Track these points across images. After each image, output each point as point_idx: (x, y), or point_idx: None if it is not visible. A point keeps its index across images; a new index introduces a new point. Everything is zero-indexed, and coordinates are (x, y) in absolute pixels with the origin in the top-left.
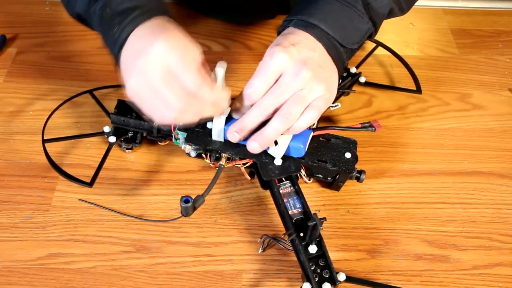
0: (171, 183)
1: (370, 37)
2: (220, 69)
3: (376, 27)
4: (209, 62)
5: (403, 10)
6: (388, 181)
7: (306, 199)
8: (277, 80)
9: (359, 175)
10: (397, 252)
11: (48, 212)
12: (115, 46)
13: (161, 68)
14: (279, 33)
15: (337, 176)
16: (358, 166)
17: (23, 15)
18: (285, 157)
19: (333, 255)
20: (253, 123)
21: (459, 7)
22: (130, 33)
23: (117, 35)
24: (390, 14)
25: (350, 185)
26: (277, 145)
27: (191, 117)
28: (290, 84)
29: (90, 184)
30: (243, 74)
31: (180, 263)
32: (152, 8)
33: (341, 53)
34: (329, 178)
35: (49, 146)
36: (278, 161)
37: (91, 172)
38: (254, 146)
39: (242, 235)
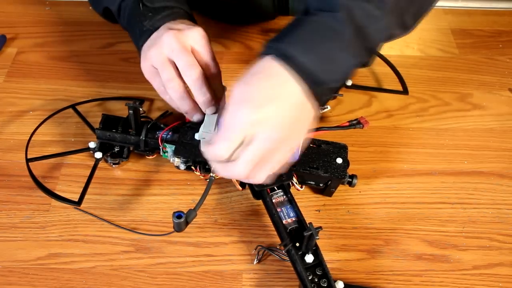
0: (171, 183)
1: (365, 65)
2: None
3: (370, 55)
4: None
5: (407, 28)
6: (388, 181)
7: (307, 199)
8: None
9: (351, 180)
10: (397, 252)
11: (48, 212)
12: (142, 36)
13: (166, 57)
14: (260, 55)
15: (329, 182)
16: (358, 166)
17: (23, 15)
18: None
19: (333, 255)
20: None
21: (459, 7)
22: (159, 27)
23: (146, 28)
24: (391, 39)
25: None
26: None
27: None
28: (261, 150)
29: (78, 203)
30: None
31: (180, 263)
32: (180, 12)
33: (324, 90)
34: (321, 185)
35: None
36: None
37: (80, 187)
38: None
39: (242, 235)
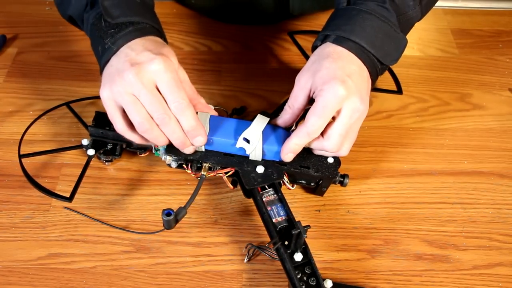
0: (171, 183)
1: None
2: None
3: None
4: (209, 62)
5: (421, 19)
6: (388, 181)
7: (306, 199)
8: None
9: (342, 179)
10: (397, 252)
11: (48, 212)
12: (104, 54)
13: (152, 84)
14: (314, 47)
15: (320, 182)
16: (358, 166)
17: (23, 15)
18: (267, 164)
19: (333, 255)
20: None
21: (459, 7)
22: (121, 46)
23: (107, 46)
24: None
25: (350, 185)
26: (249, 143)
27: (158, 137)
28: (351, 121)
29: (70, 199)
30: (243, 74)
31: (180, 263)
32: (146, 27)
33: (378, 71)
34: (312, 184)
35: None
36: (260, 169)
37: (80, 187)
38: (290, 156)
39: (242, 235)
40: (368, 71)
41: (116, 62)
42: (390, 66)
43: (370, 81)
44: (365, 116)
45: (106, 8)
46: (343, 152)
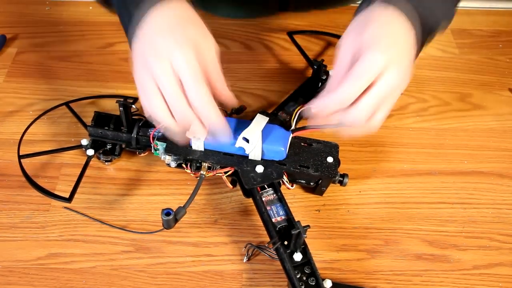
0: (171, 183)
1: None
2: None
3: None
4: None
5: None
6: (388, 181)
7: (307, 199)
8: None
9: (342, 179)
10: (397, 252)
11: (48, 212)
12: (130, 24)
13: (174, 77)
14: (357, 11)
15: (320, 181)
16: (358, 166)
17: (23, 15)
18: (266, 164)
19: (333, 255)
20: (341, 124)
21: (459, 7)
22: (147, 14)
23: (133, 14)
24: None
25: (350, 185)
26: (249, 142)
27: (179, 129)
28: (386, 91)
29: (69, 199)
30: (243, 74)
31: (180, 263)
32: None
33: (426, 38)
34: (311, 183)
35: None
36: (259, 168)
37: (80, 187)
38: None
39: (242, 235)
40: (416, 37)
41: (142, 44)
42: (437, 32)
43: (415, 48)
44: (403, 88)
45: None
46: (374, 124)
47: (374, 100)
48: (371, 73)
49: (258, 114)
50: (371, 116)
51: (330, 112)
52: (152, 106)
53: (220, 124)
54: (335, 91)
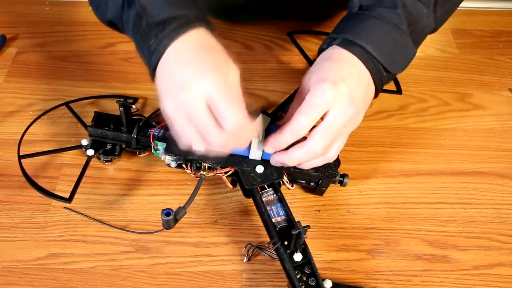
0: (171, 183)
1: None
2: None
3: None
4: None
5: (435, 30)
6: (388, 181)
7: (307, 199)
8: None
9: (342, 179)
10: (397, 252)
11: (48, 212)
12: (151, 58)
13: (204, 105)
14: (321, 50)
15: (320, 181)
16: (358, 166)
17: (23, 15)
18: (266, 164)
19: (333, 255)
20: (298, 160)
21: (459, 7)
22: (167, 46)
23: (153, 47)
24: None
25: (350, 185)
26: (251, 143)
27: (221, 151)
28: (337, 124)
29: (69, 199)
30: (243, 74)
31: (180, 263)
32: (190, 20)
33: (383, 78)
34: (312, 184)
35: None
36: (259, 169)
37: (80, 187)
38: (276, 162)
39: (242, 235)
40: (372, 78)
41: (165, 74)
42: (396, 74)
43: (372, 88)
44: (357, 122)
45: (144, 6)
46: (330, 155)
47: (327, 131)
48: (320, 105)
49: (260, 114)
50: (327, 148)
51: (285, 145)
52: (189, 139)
53: (254, 136)
54: (288, 124)
